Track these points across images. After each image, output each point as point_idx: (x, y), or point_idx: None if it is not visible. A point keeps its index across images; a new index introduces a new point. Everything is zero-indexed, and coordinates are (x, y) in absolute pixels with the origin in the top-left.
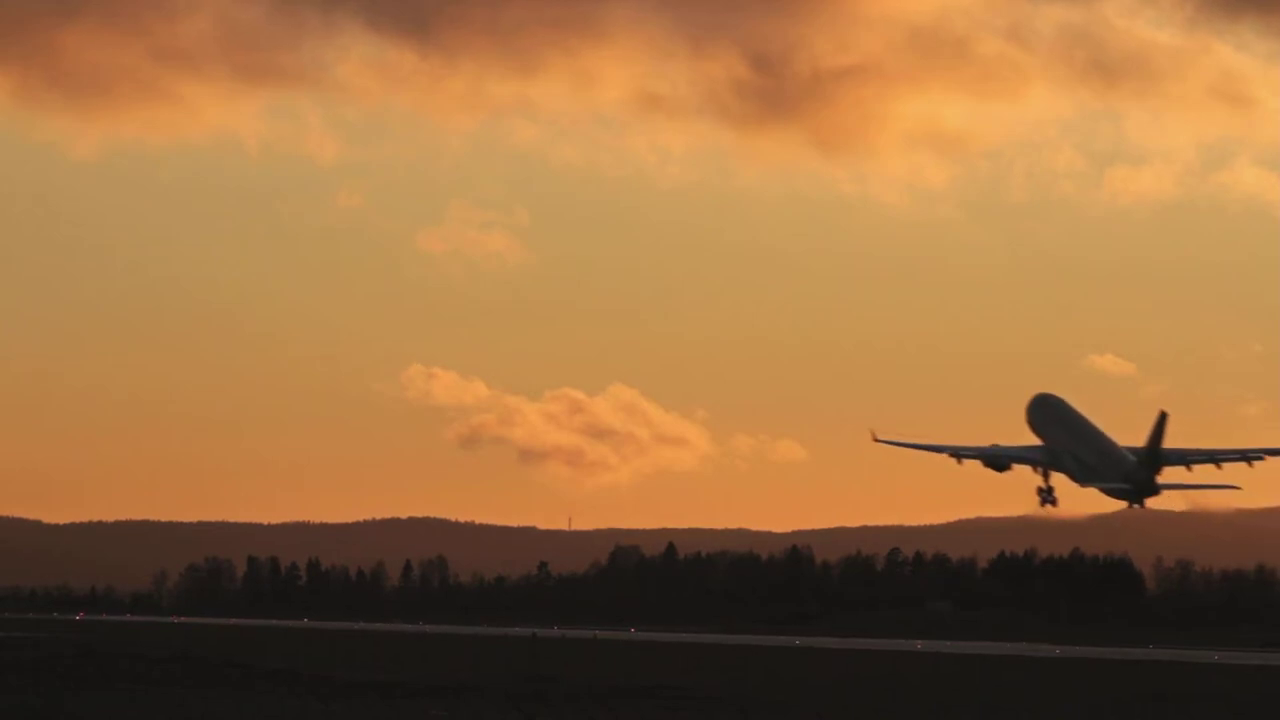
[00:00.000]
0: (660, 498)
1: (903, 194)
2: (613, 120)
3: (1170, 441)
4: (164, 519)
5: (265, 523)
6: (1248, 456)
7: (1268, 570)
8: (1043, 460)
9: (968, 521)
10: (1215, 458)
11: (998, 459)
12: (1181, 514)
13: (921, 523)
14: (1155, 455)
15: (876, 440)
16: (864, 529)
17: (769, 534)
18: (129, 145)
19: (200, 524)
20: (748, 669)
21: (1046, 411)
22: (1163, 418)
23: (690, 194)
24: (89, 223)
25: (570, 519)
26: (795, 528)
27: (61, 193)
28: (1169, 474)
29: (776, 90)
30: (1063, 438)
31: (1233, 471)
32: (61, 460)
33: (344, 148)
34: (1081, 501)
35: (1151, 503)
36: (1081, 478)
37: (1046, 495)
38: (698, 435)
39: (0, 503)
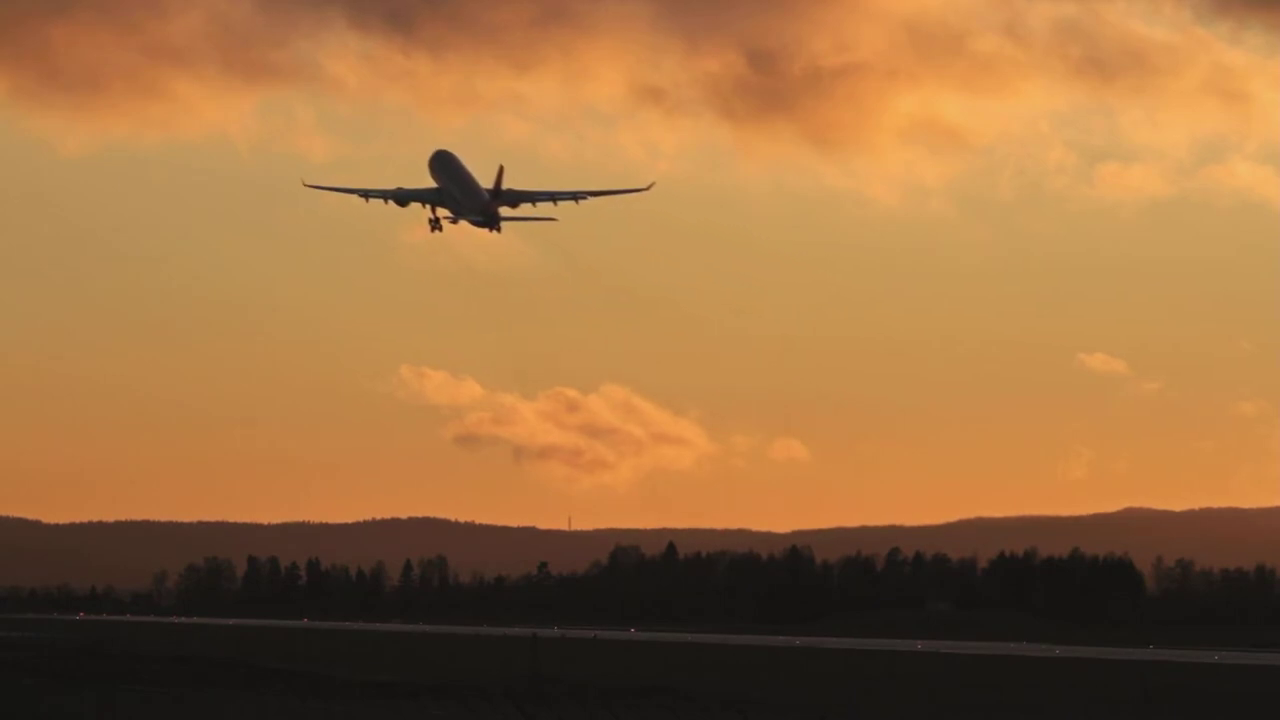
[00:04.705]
0: (660, 497)
1: (896, 190)
2: (607, 116)
3: None
4: (164, 519)
5: (265, 523)
6: (576, 196)
7: (1268, 570)
8: (433, 199)
9: (968, 521)
10: (554, 197)
11: (401, 197)
12: (1181, 514)
13: (921, 523)
14: (498, 194)
15: (306, 185)
16: (864, 529)
17: (769, 534)
18: (121, 142)
19: (200, 524)
20: (748, 669)
21: (441, 163)
22: (500, 169)
23: (685, 190)
24: (82, 220)
25: (570, 519)
26: (795, 528)
27: (53, 190)
28: (523, 210)
29: (771, 86)
30: (448, 183)
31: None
32: (61, 460)
33: (335, 144)
34: (1081, 502)
35: (1153, 503)
36: (457, 211)
37: (434, 224)
38: (695, 434)
39: (0, 503)
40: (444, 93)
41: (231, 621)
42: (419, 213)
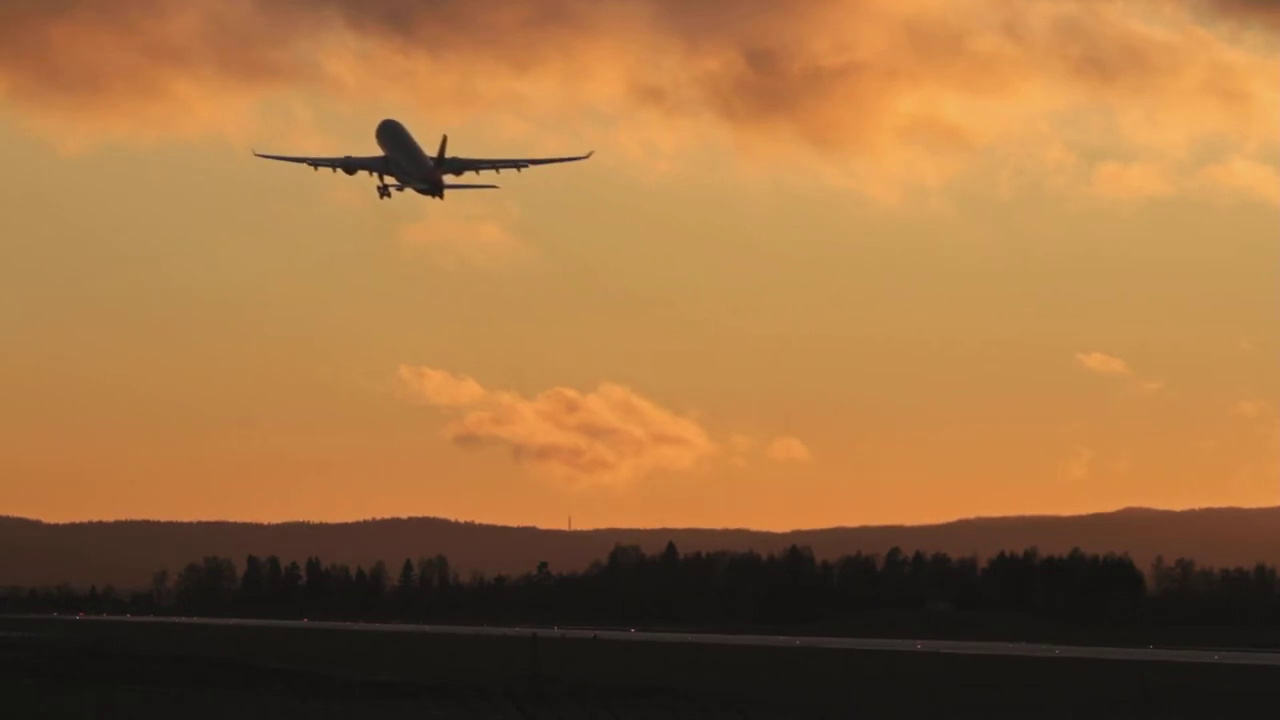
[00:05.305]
0: (660, 497)
1: (896, 189)
2: (606, 116)
3: None
4: (164, 519)
5: (265, 523)
6: (518, 164)
7: (1268, 570)
8: (379, 167)
9: (968, 521)
10: (496, 165)
11: (349, 165)
12: (1181, 514)
13: (921, 523)
14: (442, 163)
15: (257, 155)
16: (864, 529)
17: (769, 534)
18: (120, 142)
19: (200, 524)
20: (748, 669)
21: (388, 132)
22: (444, 138)
23: (685, 190)
24: (82, 220)
25: (570, 519)
26: (795, 528)
27: (53, 190)
28: (467, 178)
29: (771, 86)
30: (395, 151)
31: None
32: (61, 460)
33: (334, 144)
34: (1081, 502)
35: (1152, 503)
36: (403, 179)
37: (383, 191)
38: (695, 434)
39: (0, 503)
40: (443, 92)
41: (231, 621)
42: (416, 212)
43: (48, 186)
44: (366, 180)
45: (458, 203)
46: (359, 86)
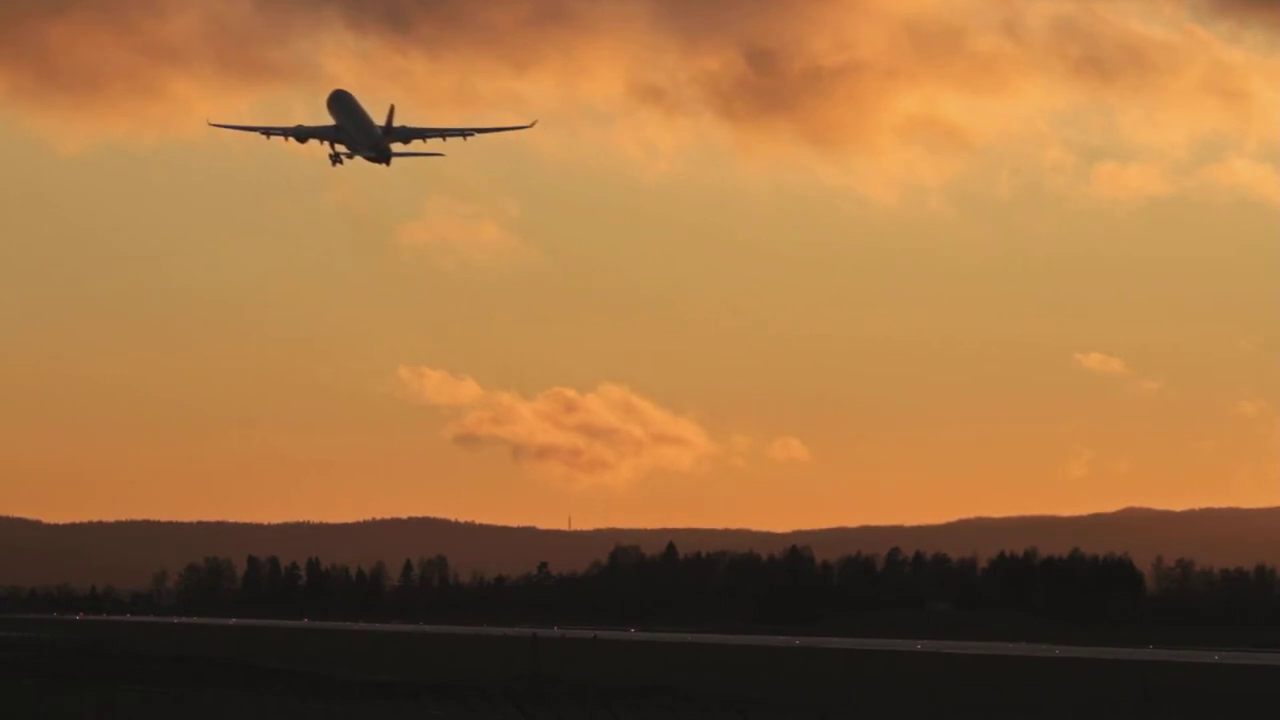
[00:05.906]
0: (660, 497)
1: (895, 189)
2: (605, 115)
3: None
4: (164, 519)
5: (265, 523)
6: (464, 133)
7: (1268, 570)
8: (330, 135)
9: (968, 521)
10: (442, 133)
11: (301, 134)
12: (1181, 514)
13: (921, 523)
14: (390, 131)
15: (211, 125)
16: (864, 529)
17: (769, 534)
18: (119, 142)
19: (200, 524)
20: (748, 669)
21: (338, 103)
22: (391, 109)
23: (684, 190)
24: (81, 220)
25: (570, 519)
26: (795, 528)
27: (52, 189)
28: (414, 146)
29: (771, 86)
30: (345, 120)
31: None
32: (61, 460)
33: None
34: (1081, 502)
35: (1152, 503)
36: (353, 147)
37: (335, 159)
38: (695, 434)
39: (0, 503)
40: (442, 92)
41: (231, 621)
42: (416, 211)
43: (48, 186)
44: (365, 181)
45: (458, 202)
46: (358, 86)
